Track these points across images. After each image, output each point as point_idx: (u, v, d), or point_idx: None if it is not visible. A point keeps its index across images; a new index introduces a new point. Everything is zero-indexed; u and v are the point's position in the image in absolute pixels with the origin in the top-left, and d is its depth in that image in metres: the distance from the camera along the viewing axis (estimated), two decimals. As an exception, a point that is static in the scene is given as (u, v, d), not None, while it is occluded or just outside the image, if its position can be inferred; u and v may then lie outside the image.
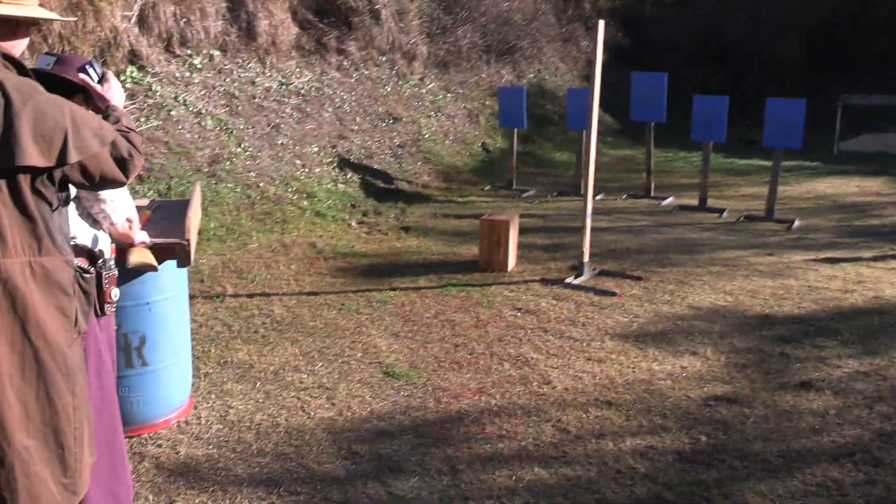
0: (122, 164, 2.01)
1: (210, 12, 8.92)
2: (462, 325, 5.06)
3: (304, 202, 8.14)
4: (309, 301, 5.48)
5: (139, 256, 2.93)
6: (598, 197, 10.06)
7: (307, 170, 8.85)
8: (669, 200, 9.96)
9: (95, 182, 2.00)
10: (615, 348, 4.69)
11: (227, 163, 8.01)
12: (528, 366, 4.39)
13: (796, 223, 8.46)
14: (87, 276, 2.25)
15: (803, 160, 13.29)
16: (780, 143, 8.52)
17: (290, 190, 8.24)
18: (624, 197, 10.21)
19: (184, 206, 3.80)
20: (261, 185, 8.04)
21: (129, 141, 2.03)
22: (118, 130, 2.04)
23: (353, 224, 7.84)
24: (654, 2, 19.49)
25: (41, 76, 2.20)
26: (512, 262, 6.48)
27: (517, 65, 15.26)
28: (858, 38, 17.94)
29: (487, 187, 10.53)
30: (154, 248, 3.14)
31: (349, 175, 9.36)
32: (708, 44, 18.75)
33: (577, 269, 6.23)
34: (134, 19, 8.04)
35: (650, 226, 8.42)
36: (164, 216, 3.66)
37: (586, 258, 6.19)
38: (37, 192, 1.87)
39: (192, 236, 3.26)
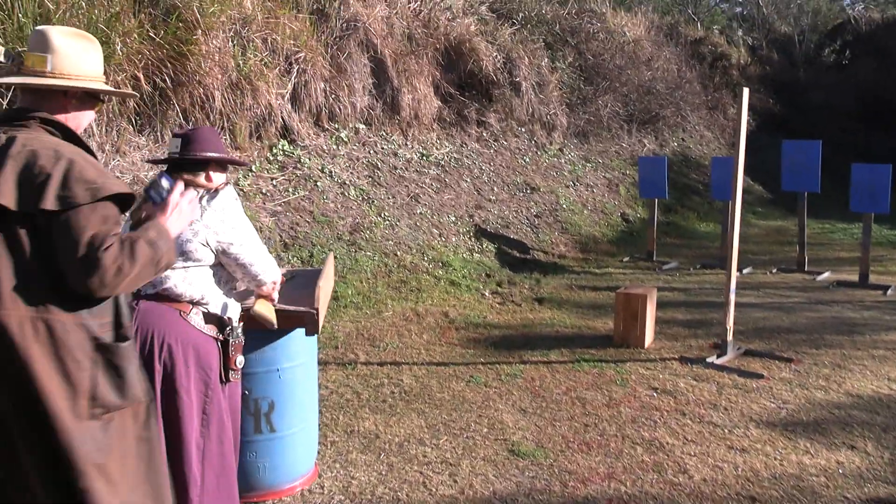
0: (91, 262, 1.75)
1: (357, 88, 9.38)
2: (593, 403, 4.86)
3: (440, 271, 8.23)
4: (438, 372, 5.46)
5: (262, 308, 3.01)
6: (745, 270, 9.55)
7: (444, 239, 8.97)
8: (825, 276, 9.28)
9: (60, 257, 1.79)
10: (761, 437, 4.33)
11: (367, 231, 8.26)
12: (662, 451, 4.13)
13: (976, 303, 7.63)
14: (120, 345, 1.92)
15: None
16: (869, 208, 7.82)
17: (426, 258, 8.37)
18: (774, 271, 9.62)
19: (317, 274, 3.92)
20: (398, 253, 8.22)
21: (132, 254, 1.82)
22: (131, 237, 1.90)
23: (487, 294, 7.82)
24: (809, 66, 18.65)
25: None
26: (649, 337, 6.21)
27: (660, 133, 14.99)
28: None
29: (626, 259, 10.25)
30: (284, 315, 3.23)
31: (485, 245, 9.40)
32: (868, 108, 17.69)
33: (720, 348, 5.87)
34: (287, 96, 8.57)
35: (803, 303, 7.86)
36: (298, 285, 3.78)
37: (730, 336, 5.82)
38: (37, 242, 1.77)
39: (322, 305, 3.33)
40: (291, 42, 8.57)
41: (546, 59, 12.73)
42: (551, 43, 13.29)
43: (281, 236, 7.53)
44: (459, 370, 5.51)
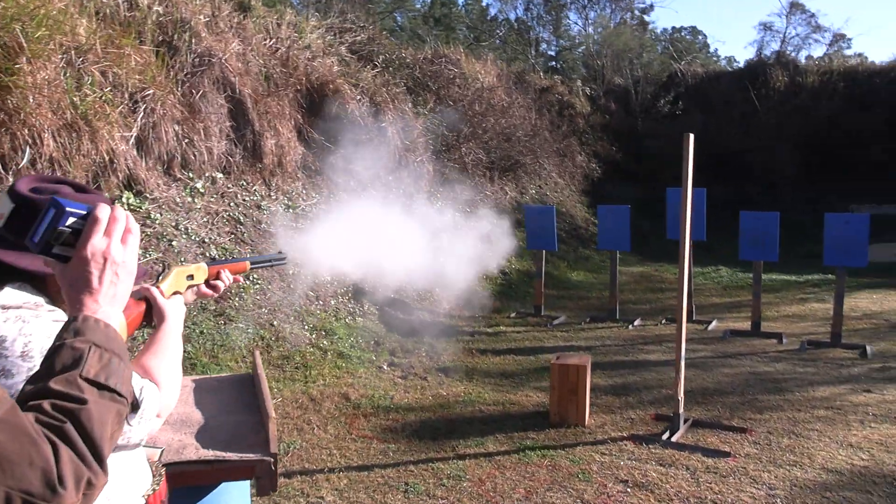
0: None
1: (214, 131, 8.13)
2: (566, 510, 4.01)
3: (324, 341, 7.12)
4: (363, 480, 4.39)
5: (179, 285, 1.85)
6: (635, 323, 9.20)
7: (322, 303, 7.88)
8: (714, 325, 9.11)
9: None
10: (776, 541, 3.66)
11: (236, 299, 7.01)
12: (681, 576, 3.34)
13: (869, 349, 7.62)
14: None
15: (824, 273, 12.67)
16: (842, 262, 7.80)
17: (306, 327, 7.23)
18: (663, 322, 9.34)
19: (240, 383, 2.81)
20: (275, 323, 7.02)
21: (85, 437, 0.88)
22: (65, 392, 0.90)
23: (385, 367, 6.81)
24: (646, 116, 19.36)
25: None
26: (587, 412, 5.48)
27: (519, 181, 14.72)
28: (852, 148, 17.82)
29: (513, 314, 9.60)
30: (221, 468, 2.13)
31: (366, 306, 8.39)
32: (700, 157, 18.55)
33: (671, 423, 5.24)
34: (133, 140, 7.18)
35: (712, 357, 7.51)
36: (226, 400, 2.65)
37: (681, 409, 5.21)
38: None
39: (273, 436, 2.24)
40: (137, 77, 7.23)
41: (409, 104, 12.04)
42: (412, 87, 12.64)
43: (132, 310, 6.13)
44: (388, 475, 4.46)
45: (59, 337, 0.96)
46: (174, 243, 7.04)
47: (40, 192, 1.41)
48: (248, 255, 2.27)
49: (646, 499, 4.15)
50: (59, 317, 1.33)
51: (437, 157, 12.30)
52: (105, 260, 1.05)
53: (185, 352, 5.98)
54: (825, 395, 6.13)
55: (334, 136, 10.18)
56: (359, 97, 10.62)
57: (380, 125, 10.92)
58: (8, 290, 1.32)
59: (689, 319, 9.32)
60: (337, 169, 10.07)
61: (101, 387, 0.92)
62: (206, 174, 8.13)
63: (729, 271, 13.23)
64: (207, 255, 7.29)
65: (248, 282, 7.36)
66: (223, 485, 2.28)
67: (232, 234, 7.89)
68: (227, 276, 1.95)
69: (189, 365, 5.86)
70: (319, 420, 5.37)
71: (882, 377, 6.65)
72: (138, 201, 7.15)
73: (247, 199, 8.47)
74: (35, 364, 1.24)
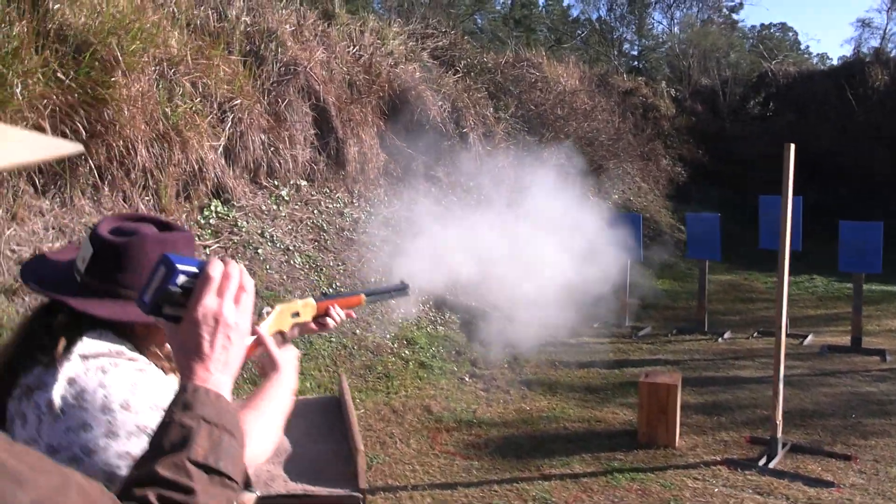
0: None
1: (298, 139, 8.23)
2: (659, 540, 3.83)
3: (406, 351, 7.09)
4: (447, 499, 4.31)
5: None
6: (725, 336, 8.85)
7: (403, 311, 7.85)
8: (810, 339, 8.68)
9: None
10: (890, 586, 3.40)
11: (319, 306, 7.05)
12: None
13: (983, 370, 7.10)
14: None
15: (929, 284, 11.93)
16: (859, 268, 7.40)
17: (388, 336, 7.22)
18: (755, 335, 8.95)
19: (327, 406, 2.77)
20: (357, 332, 7.04)
21: None
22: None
23: (467, 379, 6.73)
24: (734, 117, 18.71)
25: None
26: (677, 433, 5.26)
27: (601, 185, 14.43)
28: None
29: (596, 324, 9.38)
30: (304, 499, 2.08)
31: (447, 315, 8.34)
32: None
33: (768, 447, 4.98)
34: (221, 149, 7.33)
35: (809, 375, 7.14)
36: (299, 419, 2.61)
37: (779, 433, 4.94)
38: None
39: (362, 470, 2.18)
40: (225, 87, 7.37)
41: (491, 109, 11.95)
42: (494, 92, 12.54)
43: (220, 317, 6.24)
44: (472, 495, 4.38)
45: (169, 411, 0.90)
46: (259, 251, 7.14)
47: (122, 233, 1.36)
48: (362, 289, 2.15)
49: (744, 531, 3.94)
50: (141, 366, 1.27)
51: (519, 162, 12.16)
52: (217, 322, 0.97)
53: (270, 360, 6.05)
54: (936, 420, 5.73)
55: (416, 142, 10.19)
56: (440, 103, 10.59)
57: (461, 131, 10.87)
58: (88, 339, 1.27)
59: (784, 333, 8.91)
60: (418, 175, 10.08)
61: (210, 471, 0.85)
62: (291, 182, 8.24)
63: (824, 281, 12.62)
64: (291, 262, 7.38)
65: (331, 289, 7.41)
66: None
67: (315, 241, 7.96)
68: (337, 312, 1.87)
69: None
70: (402, 433, 5.33)
71: None
72: (226, 209, 7.29)
73: (330, 206, 8.54)
74: (115, 417, 1.17)
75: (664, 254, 13.10)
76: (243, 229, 7.26)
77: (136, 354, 1.30)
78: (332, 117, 8.79)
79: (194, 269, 0.99)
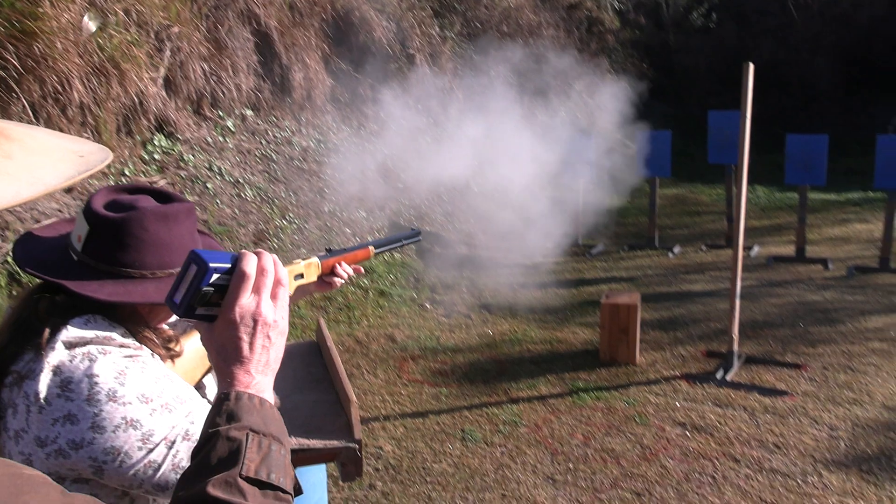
0: None
1: (241, 67, 7.91)
2: (626, 457, 3.97)
3: (365, 280, 7.06)
4: (419, 427, 4.38)
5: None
6: (675, 250, 9.05)
7: (359, 239, 7.79)
8: (756, 250, 8.94)
9: None
10: (843, 487, 3.61)
11: (274, 239, 6.95)
12: (750, 526, 3.31)
13: (919, 274, 7.44)
14: None
15: (864, 191, 12.34)
16: (804, 181, 7.62)
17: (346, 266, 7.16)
18: (703, 248, 9.17)
19: (307, 354, 2.74)
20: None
21: None
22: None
23: (428, 306, 6.76)
24: (677, 29, 18.67)
25: None
26: (638, 351, 5.41)
27: (549, 104, 14.34)
28: (894, 59, 17.11)
29: (550, 245, 9.47)
30: (302, 456, 2.07)
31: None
32: (733, 71, 17.94)
33: (724, 360, 5.16)
34: (161, 80, 7.01)
35: (757, 286, 7.38)
36: (282, 369, 2.58)
37: (735, 346, 5.12)
38: None
39: (356, 421, 2.16)
40: (161, 14, 6.99)
41: (436, 28, 11.65)
42: (439, 10, 12.21)
43: (173, 256, 6.09)
44: (444, 421, 4.45)
45: (212, 421, 0.85)
46: (209, 185, 6.94)
47: (119, 207, 1.27)
48: (370, 240, 2.05)
49: (706, 442, 4.11)
50: (132, 352, 1.19)
51: (468, 82, 11.97)
52: (255, 322, 0.91)
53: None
54: (878, 325, 6.01)
55: (362, 65, 9.92)
56: (385, 23, 10.27)
57: (407, 52, 10.60)
58: (73, 326, 1.17)
59: (730, 245, 9.16)
60: (366, 100, 9.85)
61: (263, 485, 0.81)
62: (236, 112, 7.96)
63: (766, 191, 12.93)
64: (242, 195, 7.21)
65: (284, 221, 7.29)
66: (301, 468, 2.24)
67: (265, 172, 7.77)
68: (345, 269, 1.80)
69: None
70: (368, 364, 5.36)
71: (935, 304, 6.50)
72: (170, 143, 7.02)
73: (278, 135, 8.30)
74: (101, 410, 1.10)
75: (613, 171, 13.21)
76: (190, 163, 7.02)
77: (128, 340, 1.22)
78: (275, 42, 8.45)
79: (227, 266, 0.92)
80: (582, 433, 4.26)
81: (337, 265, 1.80)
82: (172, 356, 1.32)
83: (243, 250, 0.97)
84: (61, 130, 6.07)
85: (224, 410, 0.85)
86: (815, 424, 4.29)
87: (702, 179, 13.52)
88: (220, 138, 7.59)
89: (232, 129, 7.78)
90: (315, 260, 1.75)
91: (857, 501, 3.48)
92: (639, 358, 5.39)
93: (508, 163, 10.58)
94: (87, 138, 6.33)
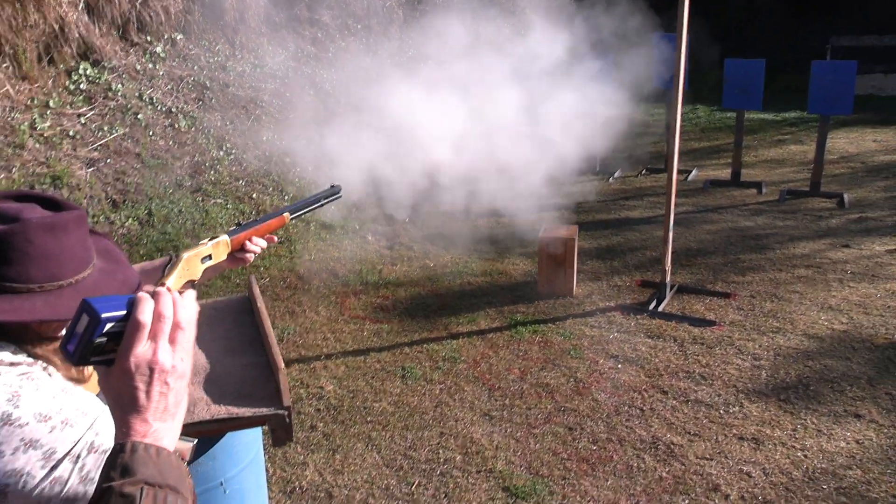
0: None
1: (169, -12, 7.54)
2: (560, 391, 4.13)
3: (305, 212, 6.99)
4: (360, 366, 4.46)
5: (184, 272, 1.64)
6: (615, 174, 9.15)
7: (299, 169, 7.67)
8: (694, 174, 9.11)
9: None
10: (762, 417, 3.82)
11: (212, 172, 6.79)
12: (674, 458, 3.50)
13: (846, 197, 7.69)
14: None
15: (801, 111, 12.55)
16: (828, 110, 7.68)
17: (286, 198, 7.09)
18: (643, 172, 9.30)
19: (239, 310, 2.74)
20: (254, 195, 6.86)
21: None
22: None
23: (370, 238, 6.76)
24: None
25: None
26: (575, 282, 5.54)
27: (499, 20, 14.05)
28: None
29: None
30: (232, 424, 2.10)
31: (344, 169, 8.19)
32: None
33: (657, 290, 5.33)
34: (82, 5, 6.64)
35: (693, 211, 7.56)
36: (213, 329, 2.59)
37: (668, 278, 5.28)
38: None
39: (284, 388, 2.19)
40: (78, -69, 6.57)
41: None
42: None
43: (106, 192, 5.94)
44: (385, 359, 4.54)
45: (106, 475, 0.85)
46: (140, 116, 6.70)
47: (2, 218, 1.21)
48: (284, 206, 2.01)
49: (636, 374, 4.28)
50: (24, 369, 1.16)
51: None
52: (152, 371, 0.91)
53: (165, 234, 5.87)
54: (805, 251, 6.24)
55: (298, -16, 9.54)
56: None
57: (345, -32, 10.21)
58: None
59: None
60: (302, 21, 9.52)
61: None
62: (165, 36, 7.63)
63: (706, 111, 13.07)
64: (176, 126, 6.99)
65: (221, 152, 7.12)
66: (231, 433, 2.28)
67: (199, 100, 7.52)
68: (256, 244, 1.77)
69: (171, 247, 5.76)
70: (310, 301, 5.38)
71: (859, 229, 6.76)
72: (96, 72, 6.73)
73: (211, 60, 8.01)
74: None
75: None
76: (119, 93, 6.75)
77: (19, 357, 1.18)
78: (203, -40, 8.05)
79: (122, 313, 0.91)
80: (519, 368, 4.39)
81: (247, 241, 1.78)
82: (72, 374, 1.29)
83: (140, 294, 0.94)
84: (-23, 61, 5.77)
85: (119, 463, 0.85)
86: (740, 354, 4.49)
87: (642, 100, 13.53)
88: (150, 65, 7.29)
89: (162, 55, 7.47)
90: (224, 238, 1.72)
91: (774, 430, 3.70)
92: (576, 289, 5.52)
93: (440, 84, 10.39)
94: (7, 68, 6.04)
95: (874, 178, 8.71)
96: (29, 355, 1.21)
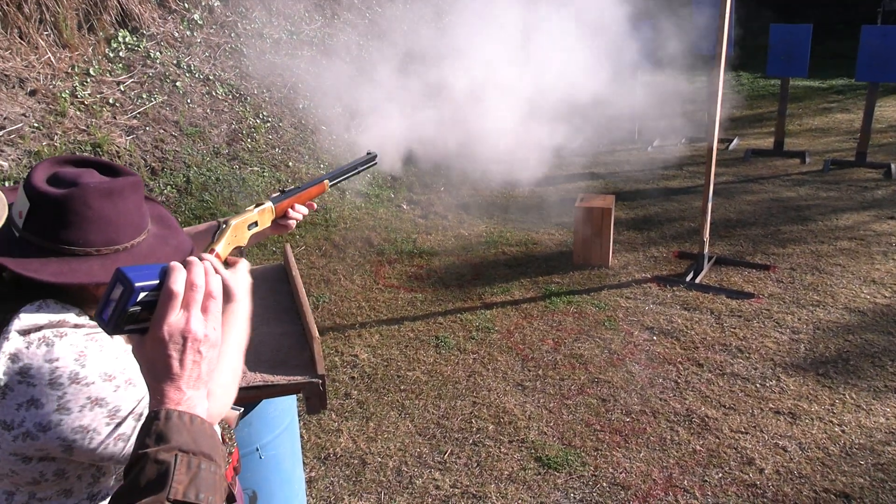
0: None
1: (206, -45, 7.53)
2: (594, 362, 4.11)
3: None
4: (394, 335, 4.48)
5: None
6: (654, 143, 9.00)
7: (334, 138, 7.68)
8: (735, 143, 8.92)
9: None
10: (799, 391, 3.77)
11: (248, 140, 6.83)
12: (708, 431, 3.47)
13: (894, 168, 7.47)
14: None
15: (849, 78, 12.17)
16: (877, 77, 7.43)
17: (322, 166, 7.11)
18: (683, 141, 9.14)
19: (274, 279, 2.77)
20: (290, 164, 6.89)
21: None
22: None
23: (405, 206, 6.76)
24: None
25: None
26: (611, 253, 5.48)
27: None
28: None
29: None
30: (267, 392, 2.13)
31: (379, 137, 8.18)
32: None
33: (695, 262, 5.25)
34: (121, -28, 6.67)
35: (734, 181, 7.42)
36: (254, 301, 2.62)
37: (706, 249, 5.20)
38: None
39: (318, 357, 2.22)
40: None
41: None
42: None
43: (145, 159, 6.01)
44: (419, 328, 4.56)
45: (141, 442, 0.86)
46: (178, 84, 6.75)
47: (61, 182, 1.24)
48: (325, 174, 2.02)
49: (671, 347, 4.25)
50: (88, 331, 1.20)
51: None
52: (185, 339, 0.92)
53: (203, 202, 5.94)
54: (849, 223, 6.09)
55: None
56: None
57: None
58: (25, 313, 1.17)
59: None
60: (340, -14, 9.46)
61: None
62: (203, 3, 7.63)
63: (750, 78, 12.75)
64: (213, 93, 7.03)
65: (258, 120, 7.15)
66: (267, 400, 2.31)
67: (236, 68, 7.54)
68: (299, 210, 1.77)
69: (209, 215, 5.83)
70: (345, 269, 5.42)
71: (906, 201, 6.58)
72: (135, 39, 6.78)
73: (248, 27, 8.00)
74: (65, 392, 1.12)
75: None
76: (157, 60, 6.80)
77: (83, 319, 1.22)
78: (241, -74, 8.01)
79: (155, 282, 0.92)
80: (553, 339, 4.38)
81: (290, 208, 1.79)
82: None
83: (172, 263, 0.96)
84: (20, 30, 5.84)
85: (153, 431, 0.87)
86: (778, 327, 4.42)
87: (680, 68, 13.24)
88: (188, 32, 7.32)
89: (200, 22, 7.49)
90: (269, 205, 1.74)
91: (811, 405, 3.65)
92: (612, 260, 5.47)
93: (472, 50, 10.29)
94: (48, 36, 6.11)
95: (924, 147, 8.44)
96: (91, 318, 1.25)
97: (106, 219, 1.25)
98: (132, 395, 1.19)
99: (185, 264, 0.95)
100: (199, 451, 0.87)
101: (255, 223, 1.67)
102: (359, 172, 2.12)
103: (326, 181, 1.96)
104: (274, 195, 1.79)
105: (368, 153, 2.16)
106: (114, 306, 0.90)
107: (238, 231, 1.59)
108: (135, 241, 1.27)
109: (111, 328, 0.91)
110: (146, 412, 1.18)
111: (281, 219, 1.79)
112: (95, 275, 1.22)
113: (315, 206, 1.93)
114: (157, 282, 0.92)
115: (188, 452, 0.86)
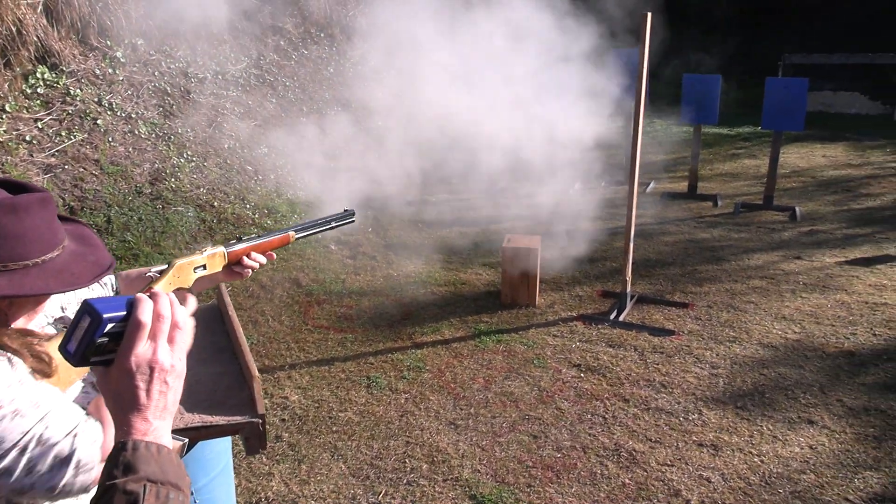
0: None
1: (130, -7, 7.45)
2: (524, 400, 4.17)
3: (267, 220, 6.96)
4: (325, 375, 4.45)
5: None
6: (576, 186, 9.28)
7: (261, 178, 7.63)
8: (652, 186, 9.29)
9: None
10: (720, 423, 3.92)
11: (172, 179, 6.72)
12: (636, 464, 3.57)
13: (798, 211, 7.92)
14: None
15: (755, 126, 12.90)
16: (780, 126, 7.91)
17: (248, 206, 7.04)
18: (603, 184, 9.45)
19: (209, 318, 2.73)
20: (215, 203, 6.80)
21: None
22: None
23: (332, 247, 6.74)
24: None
25: None
26: (537, 293, 5.60)
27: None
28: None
29: (453, 181, 9.54)
30: (205, 432, 2.10)
31: (306, 178, 8.18)
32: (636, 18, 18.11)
33: (618, 301, 5.42)
34: (41, 7, 6.53)
35: (652, 223, 7.71)
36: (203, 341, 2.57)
37: (629, 288, 5.38)
38: None
39: (258, 396, 2.20)
40: (37, -67, 6.47)
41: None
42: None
43: (63, 198, 5.83)
44: (349, 369, 4.54)
45: (109, 473, 0.86)
46: (99, 122, 6.61)
47: None
48: (293, 224, 1.97)
49: (598, 383, 4.35)
50: None
51: (372, 10, 11.65)
52: (152, 370, 0.93)
53: (125, 242, 5.79)
54: (759, 263, 6.41)
55: (261, -9, 9.50)
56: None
57: (308, -23, 10.20)
58: None
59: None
60: (265, 27, 9.49)
61: None
62: (126, 41, 7.53)
63: (663, 125, 13.33)
64: (136, 132, 6.90)
65: (182, 159, 7.05)
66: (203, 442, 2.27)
67: (160, 106, 7.44)
68: (255, 259, 1.72)
69: (131, 255, 5.69)
70: (273, 310, 5.36)
71: (810, 241, 6.97)
72: (54, 76, 6.62)
73: (172, 66, 7.92)
74: None
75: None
76: (77, 98, 6.65)
77: None
78: (166, -34, 7.96)
79: (122, 314, 0.93)
80: (483, 377, 4.43)
81: (245, 256, 1.75)
82: (41, 358, 1.29)
83: (139, 295, 0.97)
84: (-70, 63, 5.63)
85: (121, 461, 0.87)
86: (698, 363, 4.60)
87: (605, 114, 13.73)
88: (110, 70, 7.20)
89: (122, 59, 7.37)
90: (220, 250, 1.68)
91: (732, 437, 3.80)
92: (539, 299, 5.59)
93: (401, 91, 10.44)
94: (-40, 71, 5.89)
95: (824, 192, 8.99)
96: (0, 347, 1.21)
97: (11, 235, 1.22)
98: (18, 426, 1.16)
99: (152, 296, 0.96)
100: (167, 481, 0.87)
101: (204, 266, 1.63)
102: (332, 228, 2.07)
103: (292, 233, 1.90)
104: (230, 241, 1.76)
105: (346, 210, 2.11)
106: (80, 338, 0.90)
107: (181, 272, 1.56)
108: (46, 256, 1.25)
109: (76, 360, 0.91)
110: (31, 445, 1.16)
111: (235, 265, 1.75)
112: (2, 289, 1.20)
113: (275, 256, 1.88)
114: (125, 313, 0.93)
115: (156, 482, 0.86)
